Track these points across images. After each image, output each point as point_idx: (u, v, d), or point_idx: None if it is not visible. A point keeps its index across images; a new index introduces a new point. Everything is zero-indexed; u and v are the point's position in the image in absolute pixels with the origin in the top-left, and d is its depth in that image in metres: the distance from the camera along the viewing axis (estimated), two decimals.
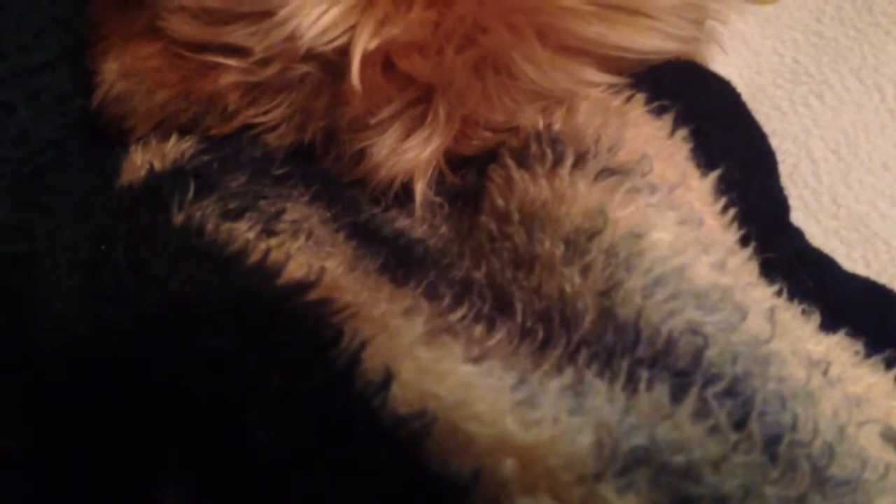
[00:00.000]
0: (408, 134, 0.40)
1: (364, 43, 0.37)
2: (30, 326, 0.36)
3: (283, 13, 0.37)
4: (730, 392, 0.30)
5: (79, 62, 0.41)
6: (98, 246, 0.38)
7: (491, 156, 0.41)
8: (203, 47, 0.39)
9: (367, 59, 0.37)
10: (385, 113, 0.39)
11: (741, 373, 0.31)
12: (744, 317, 0.32)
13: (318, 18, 0.37)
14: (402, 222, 0.42)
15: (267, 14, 0.37)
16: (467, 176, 0.43)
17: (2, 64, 0.38)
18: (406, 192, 0.41)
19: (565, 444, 0.28)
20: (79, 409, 0.35)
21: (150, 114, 0.41)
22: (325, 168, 0.43)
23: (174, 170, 0.40)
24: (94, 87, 0.41)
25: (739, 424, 0.29)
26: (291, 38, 0.37)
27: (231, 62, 0.39)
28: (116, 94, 0.40)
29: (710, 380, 0.30)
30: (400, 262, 0.39)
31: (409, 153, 0.40)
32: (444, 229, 0.42)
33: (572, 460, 0.28)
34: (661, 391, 0.30)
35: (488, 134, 0.41)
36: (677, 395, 0.30)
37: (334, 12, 0.37)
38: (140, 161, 0.41)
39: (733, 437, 0.29)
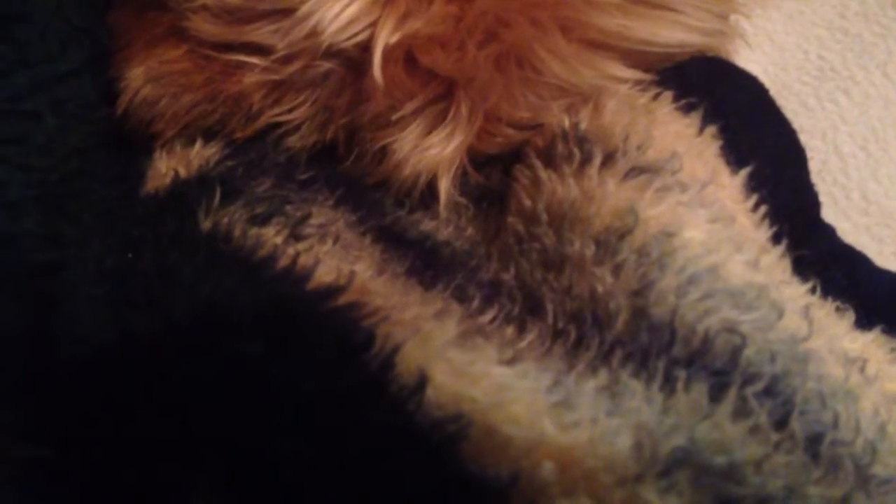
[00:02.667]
0: (430, 130, 0.39)
1: (385, 37, 0.36)
2: (58, 335, 0.36)
3: (304, 9, 0.37)
4: (769, 391, 0.30)
5: (102, 71, 0.41)
6: (125, 253, 0.38)
7: (515, 156, 0.41)
8: (227, 47, 0.39)
9: (388, 54, 0.37)
10: (407, 109, 0.39)
11: (780, 371, 0.30)
12: (780, 315, 0.32)
13: (340, 14, 0.36)
14: (428, 224, 0.42)
15: (288, 11, 0.37)
16: (492, 176, 0.42)
17: (27, 73, 0.38)
18: (430, 193, 0.41)
19: (604, 446, 0.28)
20: (107, 418, 0.34)
21: (177, 117, 0.41)
22: (348, 171, 0.42)
23: (200, 176, 0.40)
24: (119, 93, 0.41)
25: (780, 424, 0.29)
26: (313, 34, 0.37)
27: (254, 60, 0.39)
28: (142, 98, 0.40)
29: (749, 379, 0.30)
30: (427, 264, 0.39)
31: (431, 150, 0.39)
32: (469, 231, 0.42)
33: (612, 462, 0.27)
34: (700, 391, 0.30)
35: (512, 131, 0.40)
36: (716, 394, 0.29)
37: (355, 7, 0.37)
38: (165, 168, 0.41)
39: (775, 436, 0.29)
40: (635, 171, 0.36)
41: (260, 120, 0.41)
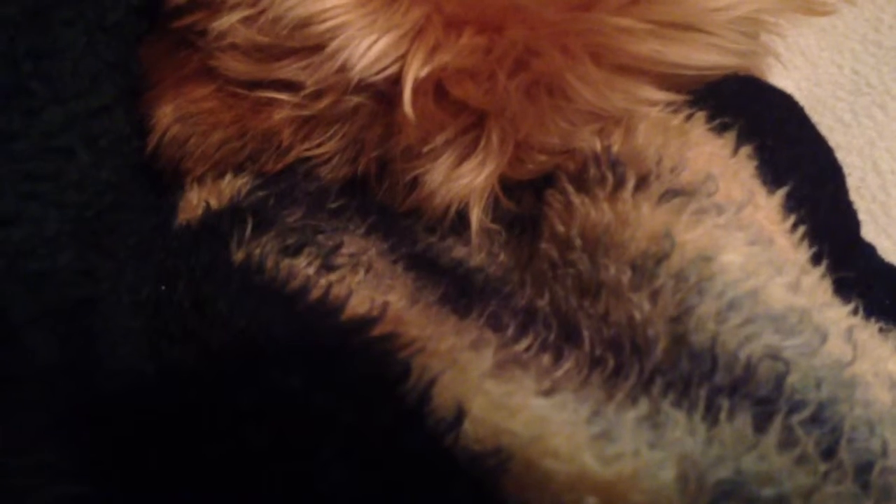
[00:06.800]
0: (461, 160, 0.39)
1: (416, 71, 0.36)
2: (96, 368, 0.36)
3: (333, 45, 0.37)
4: (816, 419, 0.29)
5: (134, 104, 0.42)
6: (159, 285, 0.38)
7: (547, 179, 0.41)
8: (256, 84, 0.40)
9: (418, 87, 0.37)
10: (438, 140, 0.38)
11: (826, 398, 0.30)
12: (824, 339, 0.31)
13: (369, 49, 0.36)
14: (460, 251, 0.42)
15: (317, 47, 0.37)
16: (523, 201, 0.42)
17: (60, 109, 0.38)
18: (462, 220, 0.41)
19: (648, 480, 0.27)
20: (148, 452, 0.34)
21: (206, 155, 0.41)
22: (379, 199, 0.42)
23: (231, 207, 0.40)
24: (149, 131, 0.41)
25: (828, 453, 0.28)
26: (343, 69, 0.37)
27: (284, 97, 0.39)
28: (172, 137, 0.41)
29: (795, 407, 0.29)
30: (460, 292, 0.38)
31: (463, 179, 0.39)
32: (502, 257, 0.42)
33: (657, 496, 0.27)
34: (744, 420, 0.29)
35: (543, 157, 0.40)
36: (761, 424, 0.29)
37: (385, 42, 0.36)
38: (196, 200, 0.41)
39: (823, 466, 0.28)
40: (670, 194, 0.35)
41: (290, 155, 0.41)
